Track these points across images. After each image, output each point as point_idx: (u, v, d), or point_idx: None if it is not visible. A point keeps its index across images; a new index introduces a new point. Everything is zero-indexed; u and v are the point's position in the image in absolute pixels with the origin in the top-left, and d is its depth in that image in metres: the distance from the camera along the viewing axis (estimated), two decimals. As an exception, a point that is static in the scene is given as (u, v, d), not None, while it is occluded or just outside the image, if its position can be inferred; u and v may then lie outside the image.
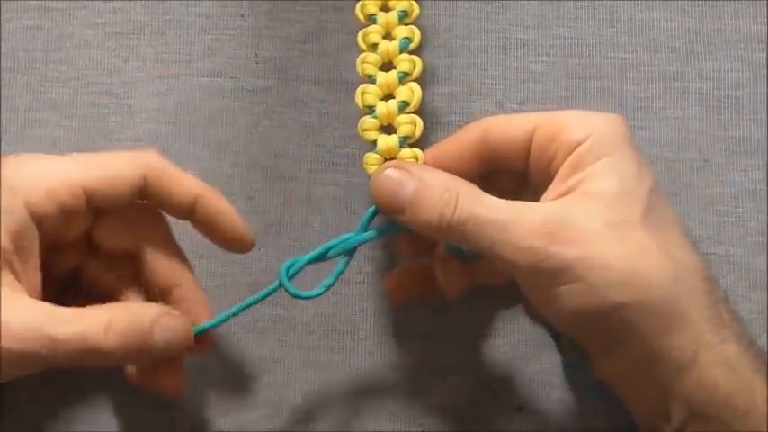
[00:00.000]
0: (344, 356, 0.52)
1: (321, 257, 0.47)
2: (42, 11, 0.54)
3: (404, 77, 0.49)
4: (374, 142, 0.48)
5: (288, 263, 0.47)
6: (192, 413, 0.51)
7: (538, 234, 0.42)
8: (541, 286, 0.43)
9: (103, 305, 0.44)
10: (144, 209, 0.47)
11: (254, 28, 0.54)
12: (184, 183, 0.47)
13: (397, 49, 0.49)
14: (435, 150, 0.48)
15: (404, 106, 0.49)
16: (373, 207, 0.47)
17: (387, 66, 0.50)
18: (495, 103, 0.53)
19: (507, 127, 0.46)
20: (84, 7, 0.54)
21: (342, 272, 0.48)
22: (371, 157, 0.48)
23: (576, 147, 0.44)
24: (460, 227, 0.43)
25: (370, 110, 0.49)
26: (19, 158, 0.46)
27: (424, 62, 0.49)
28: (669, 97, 0.53)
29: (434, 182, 0.44)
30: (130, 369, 0.48)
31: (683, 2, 0.54)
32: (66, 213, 0.45)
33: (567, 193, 0.44)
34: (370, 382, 0.51)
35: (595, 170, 0.43)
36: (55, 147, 0.53)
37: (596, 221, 0.42)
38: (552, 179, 0.45)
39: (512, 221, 0.42)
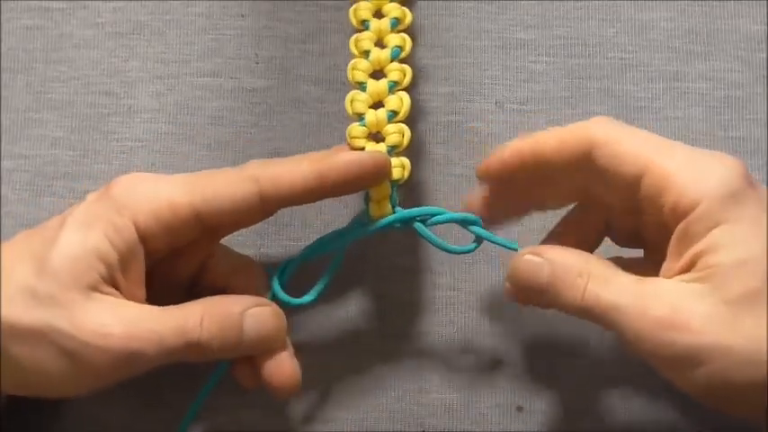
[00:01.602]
0: (345, 357, 0.52)
1: (313, 255, 0.49)
2: (42, 11, 0.54)
3: (393, 86, 0.50)
4: (362, 150, 0.49)
5: (282, 265, 0.48)
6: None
7: (658, 323, 0.41)
8: (665, 368, 0.42)
9: (199, 300, 0.46)
10: None
11: (254, 28, 0.54)
12: (292, 180, 0.46)
13: (389, 57, 0.50)
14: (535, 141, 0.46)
15: (393, 116, 0.49)
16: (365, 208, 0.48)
17: (377, 73, 0.50)
18: (496, 103, 0.53)
19: (616, 159, 0.44)
20: (84, 7, 0.54)
21: (331, 275, 0.49)
22: None
23: (686, 212, 0.42)
24: (590, 311, 0.43)
25: (360, 117, 0.49)
26: (130, 178, 0.46)
27: (414, 71, 0.50)
28: (669, 97, 0.53)
29: (568, 265, 0.44)
30: (241, 371, 0.48)
31: (682, 2, 0.54)
32: (174, 232, 0.45)
33: (684, 270, 0.42)
34: (370, 382, 0.51)
35: (711, 243, 0.41)
36: (55, 147, 0.53)
37: (716, 302, 0.41)
38: (665, 231, 0.43)
39: (633, 308, 0.42)
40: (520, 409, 0.51)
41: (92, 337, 0.42)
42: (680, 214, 0.42)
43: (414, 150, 0.53)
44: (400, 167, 0.49)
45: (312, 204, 0.52)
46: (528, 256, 0.45)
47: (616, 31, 0.53)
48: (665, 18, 0.53)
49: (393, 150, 0.49)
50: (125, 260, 0.44)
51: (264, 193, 0.46)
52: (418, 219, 0.49)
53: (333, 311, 0.52)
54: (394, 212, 0.49)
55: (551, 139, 0.45)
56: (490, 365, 0.51)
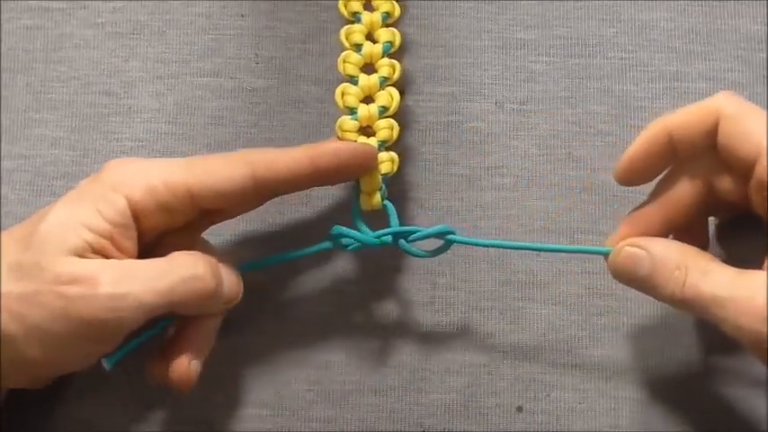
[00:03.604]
0: (344, 356, 0.52)
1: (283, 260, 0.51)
2: (42, 11, 0.54)
3: (384, 81, 0.51)
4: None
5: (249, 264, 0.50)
6: (192, 413, 0.51)
7: (756, 316, 0.42)
8: (766, 358, 0.43)
9: (188, 253, 0.46)
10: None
11: (254, 28, 0.54)
12: (286, 162, 0.47)
13: (380, 52, 0.51)
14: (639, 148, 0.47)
15: (383, 111, 0.50)
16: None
17: (367, 67, 0.51)
18: (496, 103, 0.53)
19: (738, 136, 0.44)
20: (84, 7, 0.54)
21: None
22: None
23: None
24: (689, 303, 0.44)
25: (351, 111, 0.50)
26: (123, 160, 0.47)
27: (403, 67, 0.51)
28: (669, 97, 0.53)
29: (667, 258, 0.45)
30: (157, 368, 0.48)
31: (682, 2, 0.54)
32: (169, 210, 0.46)
33: None
34: (370, 382, 0.51)
35: None
36: (55, 147, 0.53)
37: None
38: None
39: (732, 300, 0.43)
40: (520, 409, 0.51)
41: (82, 288, 0.43)
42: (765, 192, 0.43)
43: (414, 150, 0.53)
44: (390, 161, 0.50)
45: (312, 205, 0.52)
46: (629, 248, 0.46)
47: (616, 31, 0.53)
48: (665, 18, 0.53)
49: (383, 145, 0.50)
50: (117, 233, 0.45)
51: (258, 177, 0.47)
52: (401, 237, 0.49)
53: (332, 311, 0.52)
54: (383, 205, 0.50)
55: (679, 114, 0.46)
56: (490, 365, 0.51)
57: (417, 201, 0.52)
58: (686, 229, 0.48)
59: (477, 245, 0.50)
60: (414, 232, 0.49)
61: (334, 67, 0.53)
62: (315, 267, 0.52)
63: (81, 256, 0.44)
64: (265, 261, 0.51)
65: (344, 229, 0.49)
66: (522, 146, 0.53)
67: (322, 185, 0.50)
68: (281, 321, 0.52)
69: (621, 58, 0.53)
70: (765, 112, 0.44)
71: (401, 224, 0.50)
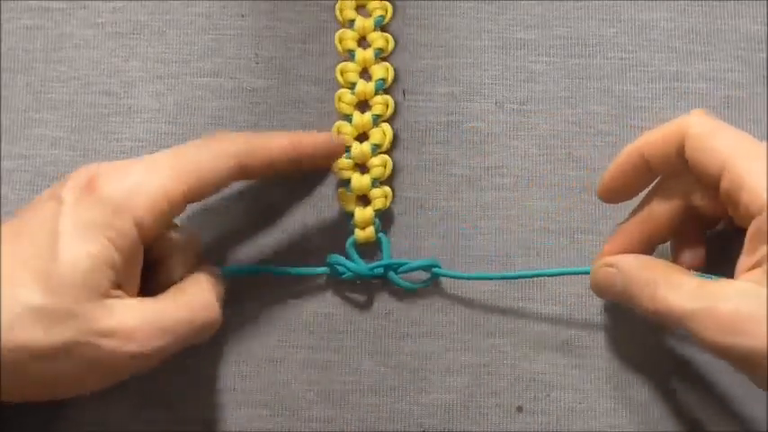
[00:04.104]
0: (344, 356, 0.52)
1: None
2: (42, 11, 0.54)
3: (377, 119, 0.52)
4: (348, 180, 0.52)
5: (237, 268, 0.52)
6: (192, 413, 0.51)
7: (721, 327, 0.42)
8: (737, 368, 0.43)
9: (185, 286, 0.47)
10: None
11: (254, 28, 0.54)
12: (273, 148, 0.48)
13: (373, 90, 0.52)
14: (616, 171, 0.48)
15: (376, 149, 0.52)
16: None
17: (362, 105, 0.53)
18: (496, 103, 0.53)
19: (704, 153, 0.44)
20: (84, 7, 0.54)
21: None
22: (345, 195, 0.52)
23: (756, 211, 0.42)
24: (663, 317, 0.44)
25: (346, 149, 0.52)
26: (113, 170, 0.45)
27: (395, 102, 0.52)
28: (669, 97, 0.53)
29: (636, 275, 0.46)
30: None
31: (682, 2, 0.54)
32: (168, 220, 0.46)
33: (754, 266, 0.43)
34: (370, 382, 0.51)
35: None
36: (55, 147, 0.53)
37: None
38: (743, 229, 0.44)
39: (699, 313, 0.42)
40: (520, 409, 0.51)
41: (117, 343, 0.43)
42: (752, 214, 0.43)
43: (414, 150, 0.53)
44: (383, 198, 0.52)
45: (311, 205, 0.52)
46: (603, 268, 0.48)
47: (616, 31, 0.53)
48: (665, 18, 0.53)
49: (377, 181, 0.52)
50: (128, 261, 0.44)
51: (245, 167, 0.47)
52: (391, 269, 0.51)
53: (332, 311, 0.52)
54: (377, 238, 0.52)
55: (650, 135, 0.46)
56: (490, 365, 0.51)
57: (417, 201, 0.53)
58: (684, 242, 0.49)
59: (459, 278, 0.51)
60: (403, 264, 0.51)
61: (334, 67, 0.53)
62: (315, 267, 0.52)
63: (107, 296, 0.43)
64: (263, 269, 0.51)
65: (341, 259, 0.51)
66: (522, 146, 0.53)
67: (299, 172, 0.51)
68: (280, 321, 0.52)
69: (621, 58, 0.53)
70: (733, 130, 0.45)
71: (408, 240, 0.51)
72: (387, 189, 0.52)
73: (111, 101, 0.54)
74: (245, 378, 0.51)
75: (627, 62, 0.53)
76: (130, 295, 0.45)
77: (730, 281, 0.43)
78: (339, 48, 0.53)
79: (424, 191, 0.53)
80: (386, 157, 0.52)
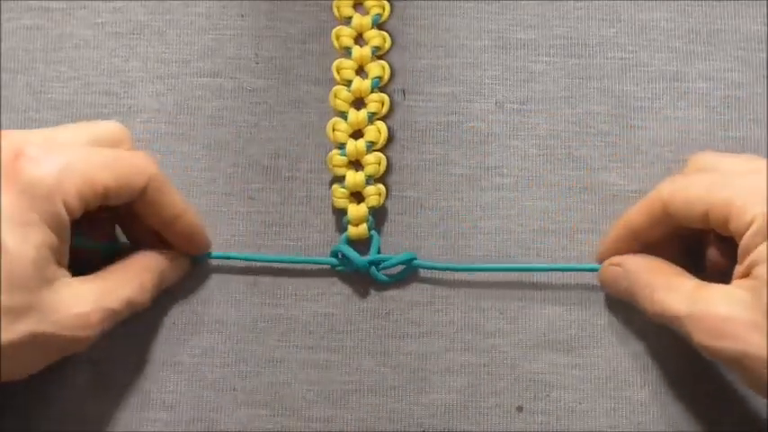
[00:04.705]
0: (344, 356, 0.52)
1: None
2: (42, 11, 0.54)
3: (372, 117, 0.52)
4: (343, 177, 0.52)
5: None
6: (192, 413, 0.51)
7: (710, 331, 0.44)
8: (729, 369, 0.46)
9: (125, 264, 0.49)
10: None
11: (254, 28, 0.54)
12: (173, 200, 0.49)
13: (369, 87, 0.52)
14: (623, 226, 0.49)
15: (371, 146, 0.52)
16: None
17: (357, 102, 0.53)
18: (496, 103, 0.53)
19: (685, 206, 0.46)
20: (84, 7, 0.54)
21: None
22: (338, 191, 0.52)
23: (744, 231, 0.44)
24: (662, 319, 0.46)
25: (340, 146, 0.52)
26: (40, 145, 0.45)
27: (391, 100, 0.52)
28: (669, 97, 0.53)
29: (640, 278, 0.48)
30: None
31: (683, 2, 0.54)
32: (88, 206, 0.46)
33: (744, 275, 0.44)
34: (370, 382, 0.51)
35: (759, 256, 0.43)
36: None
37: (760, 312, 0.43)
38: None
39: (691, 316, 0.44)
40: (520, 409, 0.51)
41: (72, 328, 0.44)
42: (740, 234, 0.44)
43: (414, 150, 0.53)
44: (377, 195, 0.52)
45: (312, 204, 0.52)
46: (610, 267, 0.49)
47: (616, 31, 0.53)
48: (665, 18, 0.53)
49: (371, 179, 0.52)
50: (62, 239, 0.45)
51: (148, 189, 0.48)
52: (372, 265, 0.52)
53: (332, 311, 0.52)
54: (370, 236, 0.52)
55: (634, 213, 0.49)
56: (490, 365, 0.51)
57: (417, 201, 0.53)
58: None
59: (436, 269, 0.52)
60: (385, 260, 0.51)
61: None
62: (315, 268, 0.52)
63: (54, 278, 0.44)
64: (264, 257, 0.52)
65: (345, 248, 0.51)
66: (522, 146, 0.53)
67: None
68: (280, 321, 0.52)
69: (621, 58, 0.53)
70: (703, 174, 0.47)
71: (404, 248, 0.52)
72: (381, 186, 0.52)
73: (111, 101, 0.54)
74: (245, 378, 0.51)
75: (627, 62, 0.53)
76: (64, 267, 0.45)
77: (723, 286, 0.44)
78: (336, 44, 0.53)
79: (423, 190, 0.53)
80: (380, 154, 0.52)
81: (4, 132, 0.45)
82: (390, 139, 0.53)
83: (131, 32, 0.54)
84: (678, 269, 0.48)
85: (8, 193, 0.43)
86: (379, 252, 0.52)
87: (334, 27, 0.53)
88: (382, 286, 0.52)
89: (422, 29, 0.54)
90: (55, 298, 0.44)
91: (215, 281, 0.52)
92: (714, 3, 0.53)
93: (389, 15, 0.53)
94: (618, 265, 0.49)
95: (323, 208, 0.53)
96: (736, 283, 0.44)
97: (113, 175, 0.46)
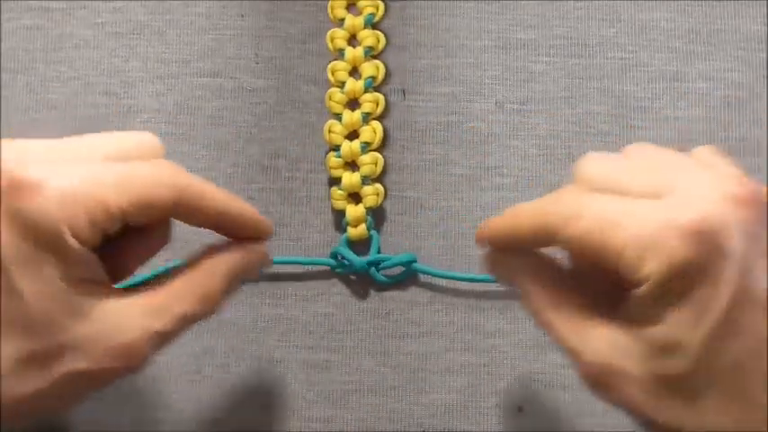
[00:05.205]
0: (344, 356, 0.52)
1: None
2: (42, 11, 0.54)
3: (367, 117, 0.52)
4: (340, 179, 0.52)
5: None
6: (193, 413, 0.51)
7: (586, 374, 0.40)
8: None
9: (187, 271, 0.43)
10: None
11: (254, 28, 0.54)
12: (212, 202, 0.43)
13: (362, 88, 0.53)
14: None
15: (366, 146, 0.52)
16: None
17: (352, 103, 0.53)
18: (496, 103, 0.53)
19: (575, 240, 0.40)
20: (84, 7, 0.54)
21: None
22: (337, 192, 0.52)
23: (636, 285, 0.38)
24: (544, 329, 0.42)
25: (336, 147, 0.52)
26: (37, 170, 0.39)
27: (386, 100, 0.53)
28: (669, 97, 0.53)
29: (525, 288, 0.43)
30: None
31: (683, 2, 0.54)
32: (103, 231, 0.41)
33: (632, 322, 0.39)
34: (370, 382, 0.51)
35: (653, 317, 0.38)
36: (55, 147, 0.53)
37: (643, 368, 0.39)
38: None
39: (574, 351, 0.41)
40: (520, 409, 0.51)
41: (116, 360, 0.40)
42: (634, 287, 0.39)
43: (414, 150, 0.53)
44: (374, 195, 0.52)
45: (312, 204, 0.52)
46: (491, 261, 0.44)
47: (616, 31, 0.53)
48: (665, 18, 0.53)
49: (368, 179, 0.52)
50: (85, 268, 0.40)
51: (179, 202, 0.42)
52: (373, 265, 0.52)
53: (332, 311, 0.52)
54: (370, 236, 0.52)
55: (524, 225, 0.42)
56: (490, 365, 0.51)
57: (417, 201, 0.53)
58: None
59: (434, 275, 0.52)
60: (385, 260, 0.51)
61: (334, 67, 0.53)
62: (315, 268, 0.52)
63: (84, 307, 0.40)
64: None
65: (344, 250, 0.51)
66: (522, 146, 0.53)
67: (220, 231, 0.45)
68: (280, 321, 0.52)
69: (621, 58, 0.53)
70: (592, 202, 0.40)
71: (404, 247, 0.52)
72: (378, 186, 0.52)
73: (111, 101, 0.54)
74: (245, 378, 0.51)
75: (627, 62, 0.53)
76: (102, 283, 0.41)
77: (609, 330, 0.40)
78: (330, 46, 0.53)
79: (423, 191, 0.53)
80: (376, 154, 0.52)
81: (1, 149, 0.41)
82: (390, 139, 0.53)
83: (131, 32, 0.54)
84: (567, 279, 0.42)
85: (10, 234, 0.39)
86: (379, 252, 0.52)
87: (332, 27, 0.53)
88: (382, 286, 0.52)
89: (421, 29, 0.54)
90: (93, 329, 0.40)
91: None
92: (714, 3, 0.53)
93: (384, 15, 0.53)
94: (498, 264, 0.44)
95: (323, 208, 0.53)
96: (623, 327, 0.40)
97: (129, 195, 0.40)
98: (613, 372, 0.39)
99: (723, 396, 0.39)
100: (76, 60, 0.54)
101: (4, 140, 0.41)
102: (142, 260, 0.44)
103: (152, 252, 0.44)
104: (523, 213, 0.42)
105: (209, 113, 0.53)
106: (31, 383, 0.39)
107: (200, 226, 0.43)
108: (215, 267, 0.43)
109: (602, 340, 0.40)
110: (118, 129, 0.53)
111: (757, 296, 0.38)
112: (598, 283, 0.42)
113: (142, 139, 0.43)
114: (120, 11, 0.54)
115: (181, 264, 0.43)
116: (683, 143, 0.52)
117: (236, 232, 0.44)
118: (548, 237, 0.41)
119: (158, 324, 0.41)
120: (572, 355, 0.41)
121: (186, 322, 0.42)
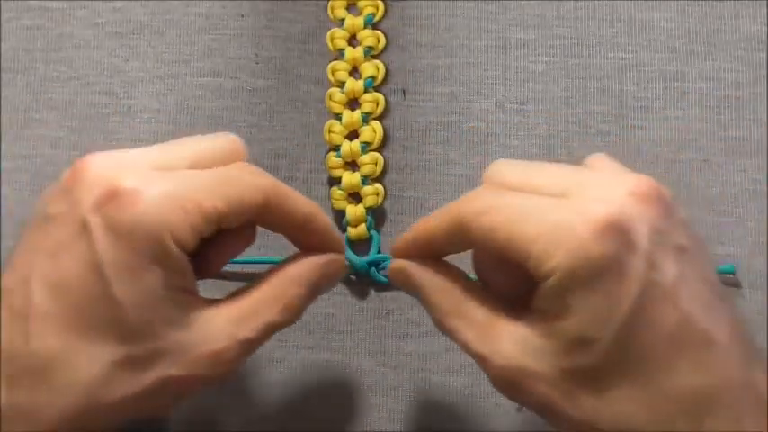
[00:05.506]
0: (344, 356, 0.52)
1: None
2: (42, 11, 0.54)
3: (367, 117, 0.52)
4: (339, 178, 0.52)
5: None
6: (193, 413, 0.51)
7: (496, 378, 0.41)
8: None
9: (269, 279, 0.44)
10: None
11: (254, 28, 0.54)
12: (298, 206, 0.44)
13: (362, 88, 0.53)
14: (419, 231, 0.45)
15: (366, 147, 0.52)
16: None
17: (352, 103, 0.53)
18: (496, 103, 0.53)
19: (484, 233, 0.41)
20: (84, 7, 0.54)
21: None
22: (337, 192, 0.52)
23: (543, 279, 0.39)
24: (449, 334, 0.43)
25: (336, 147, 0.52)
26: (133, 180, 0.40)
27: (386, 100, 0.53)
28: (669, 97, 0.53)
29: (428, 297, 0.44)
30: None
31: (682, 2, 0.54)
32: (200, 234, 0.42)
33: (540, 319, 0.40)
34: (370, 382, 0.51)
35: (561, 310, 0.39)
36: (55, 147, 0.53)
37: (557, 368, 0.40)
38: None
39: (481, 357, 0.41)
40: (520, 409, 0.51)
41: (206, 368, 0.41)
42: (541, 280, 0.39)
43: (414, 150, 0.53)
44: (374, 195, 0.52)
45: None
46: (396, 271, 0.45)
47: (616, 31, 0.53)
48: (665, 18, 0.53)
49: (368, 179, 0.52)
50: (181, 276, 0.41)
51: (267, 205, 0.43)
52: (372, 265, 0.52)
53: (332, 311, 0.52)
54: (370, 236, 0.52)
55: (434, 226, 0.44)
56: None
57: (417, 201, 0.53)
58: None
59: None
60: (385, 260, 0.51)
61: (334, 67, 0.53)
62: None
63: (179, 315, 0.41)
64: (266, 259, 0.51)
65: (348, 253, 0.51)
66: (522, 146, 0.53)
67: (293, 240, 0.46)
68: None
69: (621, 58, 0.53)
70: (504, 197, 0.41)
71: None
72: (378, 186, 0.52)
73: (111, 101, 0.54)
74: (245, 378, 0.51)
75: (627, 62, 0.53)
76: (192, 291, 0.42)
77: (516, 328, 0.41)
78: (330, 46, 0.53)
79: (424, 191, 0.53)
80: (376, 154, 0.52)
81: (95, 160, 0.41)
82: (390, 139, 0.53)
83: (131, 32, 0.54)
84: (472, 285, 0.43)
85: (108, 243, 0.39)
86: (379, 252, 0.52)
87: (333, 27, 0.53)
88: (382, 286, 0.52)
89: (421, 29, 0.54)
90: (185, 337, 0.41)
91: (215, 282, 0.52)
92: (714, 3, 0.53)
93: (384, 15, 0.53)
94: (403, 272, 0.44)
95: (323, 208, 0.52)
96: (532, 324, 0.40)
97: (224, 199, 0.41)
98: (524, 373, 0.40)
99: (633, 386, 0.39)
100: (76, 60, 0.54)
101: (96, 156, 0.41)
102: (226, 261, 0.45)
103: (237, 253, 0.45)
104: (438, 214, 0.43)
105: (209, 113, 0.53)
106: (124, 387, 0.40)
107: (284, 230, 0.45)
108: (299, 277, 0.44)
109: (511, 341, 0.41)
110: (118, 129, 0.53)
111: (665, 289, 0.39)
112: (508, 282, 0.43)
113: (227, 142, 0.44)
114: (120, 11, 0.54)
115: (264, 270, 0.45)
116: (683, 143, 0.52)
117: (314, 239, 0.45)
118: (461, 234, 0.42)
119: (244, 332, 0.42)
120: (479, 360, 0.41)
121: (270, 330, 0.43)
